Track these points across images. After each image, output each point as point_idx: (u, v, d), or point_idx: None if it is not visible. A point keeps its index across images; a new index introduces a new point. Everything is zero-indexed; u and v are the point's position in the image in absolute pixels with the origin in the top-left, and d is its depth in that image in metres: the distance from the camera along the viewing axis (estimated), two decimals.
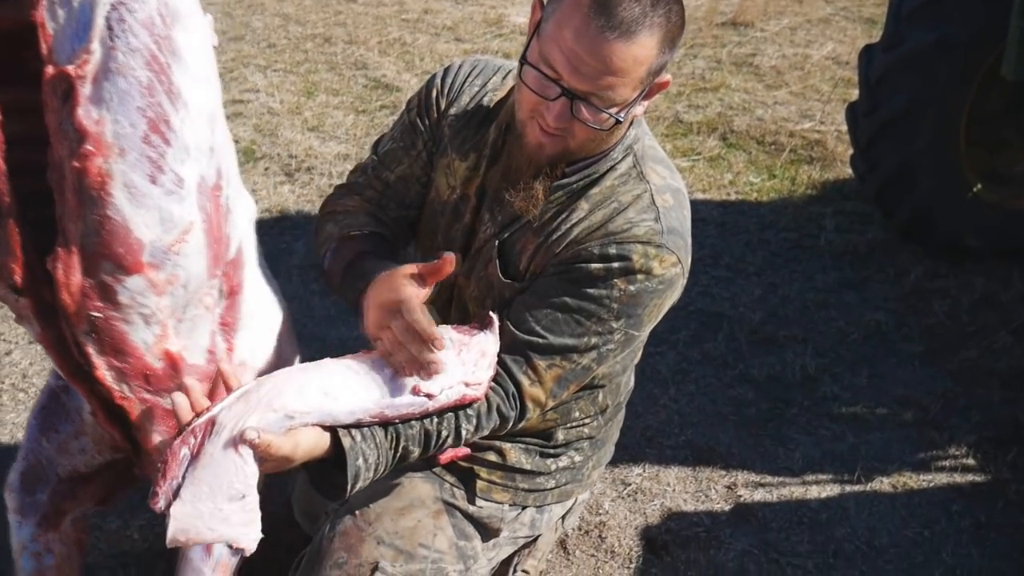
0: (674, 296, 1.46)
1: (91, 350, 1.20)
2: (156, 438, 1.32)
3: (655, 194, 1.42)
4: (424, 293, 1.30)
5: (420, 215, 1.63)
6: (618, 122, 1.32)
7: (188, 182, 1.14)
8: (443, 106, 1.55)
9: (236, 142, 4.18)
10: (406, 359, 1.29)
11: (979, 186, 3.39)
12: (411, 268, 1.31)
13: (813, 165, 4.23)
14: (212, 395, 1.33)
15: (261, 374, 1.38)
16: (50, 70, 1.07)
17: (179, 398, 1.23)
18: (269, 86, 4.98)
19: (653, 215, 1.40)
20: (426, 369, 1.30)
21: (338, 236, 1.53)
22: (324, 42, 5.79)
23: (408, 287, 1.29)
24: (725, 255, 3.50)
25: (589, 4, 1.24)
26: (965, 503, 2.37)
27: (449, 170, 1.54)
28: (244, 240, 1.32)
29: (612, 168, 1.43)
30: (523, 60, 1.33)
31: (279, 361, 1.45)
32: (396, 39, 5.85)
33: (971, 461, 2.51)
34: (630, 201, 1.41)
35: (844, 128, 3.74)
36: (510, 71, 1.56)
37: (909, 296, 3.25)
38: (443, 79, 1.57)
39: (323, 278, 1.57)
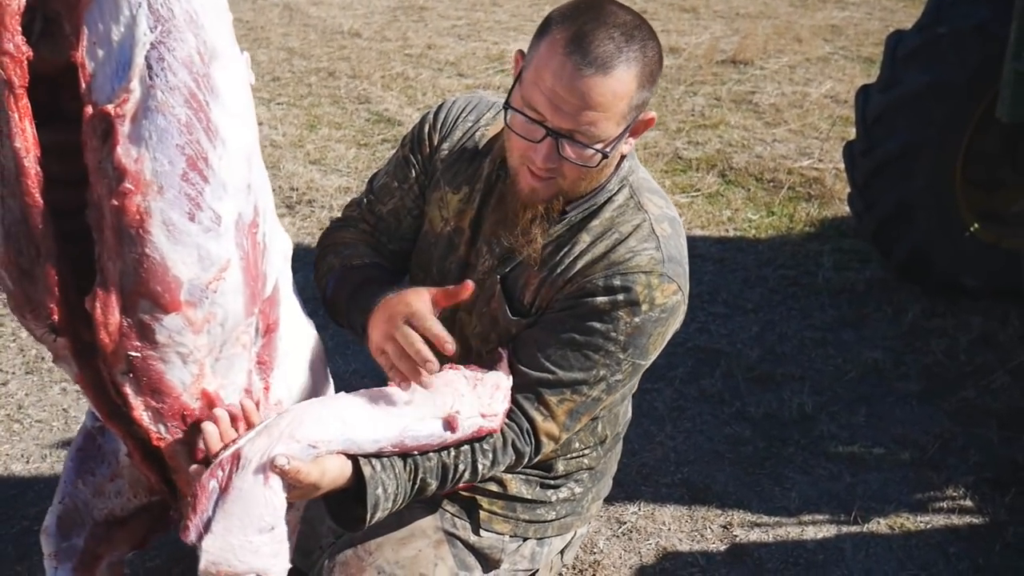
0: (677, 323, 1.49)
1: (128, 390, 1.18)
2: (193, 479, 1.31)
3: (654, 223, 1.46)
4: (436, 310, 1.33)
5: (414, 249, 1.65)
6: (604, 157, 1.35)
7: (226, 219, 1.13)
8: (436, 141, 1.59)
9: None
10: (408, 368, 1.31)
11: (976, 226, 3.41)
12: (424, 290, 1.35)
13: (811, 202, 4.26)
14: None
15: None
16: (89, 110, 1.07)
17: (209, 427, 1.23)
18: (272, 119, 5.03)
19: (654, 244, 1.43)
20: (427, 370, 1.30)
21: (340, 266, 1.56)
22: (328, 76, 5.85)
23: (419, 302, 1.33)
24: (723, 292, 3.51)
25: (564, 45, 1.28)
26: (963, 546, 2.35)
27: (442, 203, 1.57)
28: (280, 277, 1.31)
29: (610, 200, 1.47)
30: (507, 105, 1.36)
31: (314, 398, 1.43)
32: (399, 74, 5.92)
33: (969, 502, 2.50)
34: (630, 231, 1.44)
35: (842, 166, 3.77)
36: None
37: (907, 335, 3.25)
38: (436, 115, 1.61)
39: (326, 307, 1.59)
